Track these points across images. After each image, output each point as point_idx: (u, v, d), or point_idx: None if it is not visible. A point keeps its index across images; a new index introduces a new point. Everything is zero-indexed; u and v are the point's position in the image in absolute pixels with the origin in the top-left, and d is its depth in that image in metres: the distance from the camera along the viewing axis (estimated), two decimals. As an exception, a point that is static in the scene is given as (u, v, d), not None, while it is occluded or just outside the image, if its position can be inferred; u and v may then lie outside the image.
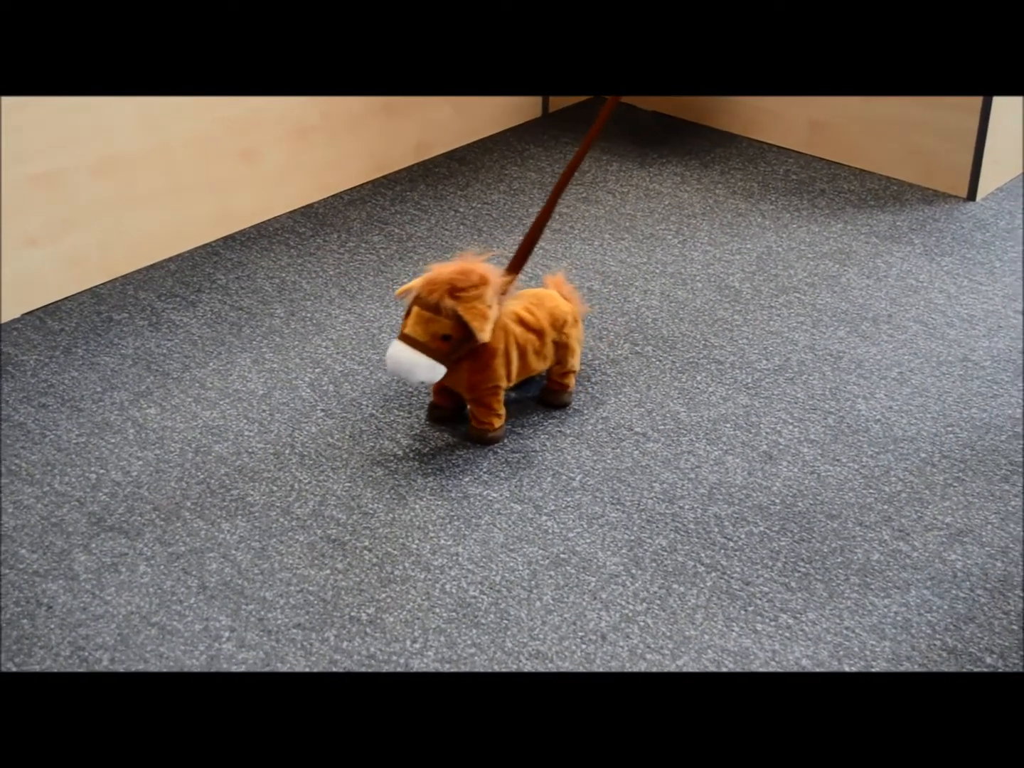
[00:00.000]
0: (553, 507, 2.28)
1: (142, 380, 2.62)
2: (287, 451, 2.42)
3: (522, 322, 2.41)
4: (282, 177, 3.25)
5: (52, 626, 2.03)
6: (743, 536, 2.22)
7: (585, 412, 2.53)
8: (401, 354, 2.28)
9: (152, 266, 3.04)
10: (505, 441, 2.44)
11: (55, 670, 1.94)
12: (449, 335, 2.27)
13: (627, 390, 2.60)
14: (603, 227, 3.22)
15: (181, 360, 2.69)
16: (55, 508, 2.28)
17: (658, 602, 2.08)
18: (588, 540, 2.21)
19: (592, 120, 3.79)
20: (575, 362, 2.51)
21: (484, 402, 2.39)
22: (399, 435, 2.46)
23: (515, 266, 2.49)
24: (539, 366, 2.46)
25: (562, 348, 2.47)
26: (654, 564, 2.16)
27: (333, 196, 3.38)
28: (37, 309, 2.87)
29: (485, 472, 2.36)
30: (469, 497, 2.30)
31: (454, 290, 2.26)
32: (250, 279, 2.99)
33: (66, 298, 2.91)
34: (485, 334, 2.28)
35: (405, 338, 2.28)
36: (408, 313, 2.31)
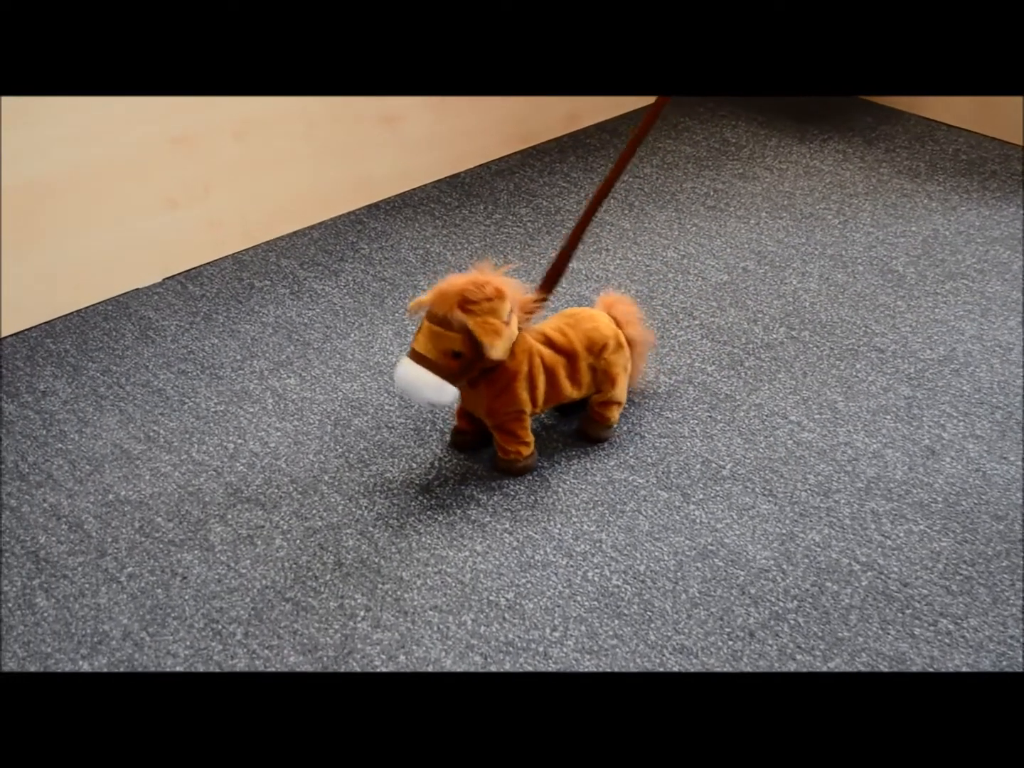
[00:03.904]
0: (701, 496, 2.20)
1: (282, 349, 2.59)
2: (428, 427, 2.36)
3: (551, 343, 2.22)
4: (426, 145, 3.20)
5: (186, 596, 2.01)
6: (902, 534, 2.11)
7: (737, 398, 2.43)
8: (408, 372, 2.08)
9: (295, 233, 3.02)
10: (652, 425, 2.36)
11: (188, 642, 1.91)
12: (460, 352, 2.08)
13: (782, 376, 2.50)
14: (760, 205, 3.12)
15: (322, 330, 2.65)
16: (192, 477, 2.25)
17: (810, 600, 1.99)
18: (738, 532, 2.12)
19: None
20: (618, 393, 2.29)
21: (507, 429, 2.22)
22: (543, 415, 2.39)
23: (546, 286, 2.35)
24: (573, 393, 2.25)
25: (600, 375, 2.26)
26: (807, 560, 2.06)
27: (479, 166, 3.32)
28: (179, 273, 2.86)
29: (631, 457, 2.28)
30: (614, 482, 2.23)
31: (465, 302, 2.06)
32: (394, 249, 2.95)
33: (208, 263, 2.90)
34: (496, 351, 2.08)
35: (414, 355, 2.10)
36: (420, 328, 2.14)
